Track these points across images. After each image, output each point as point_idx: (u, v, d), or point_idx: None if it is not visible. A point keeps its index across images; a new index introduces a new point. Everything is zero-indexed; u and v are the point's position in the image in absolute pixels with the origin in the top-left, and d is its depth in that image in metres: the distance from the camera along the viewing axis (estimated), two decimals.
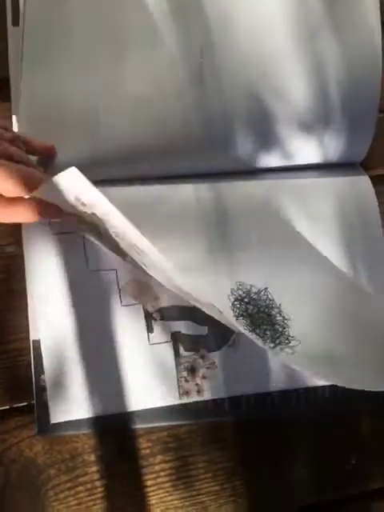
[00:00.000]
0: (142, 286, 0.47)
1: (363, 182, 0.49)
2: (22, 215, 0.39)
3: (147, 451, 0.47)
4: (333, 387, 0.47)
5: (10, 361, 0.48)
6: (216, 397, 0.46)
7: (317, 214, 0.48)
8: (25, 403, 0.48)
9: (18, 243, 0.49)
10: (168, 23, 0.46)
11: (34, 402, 0.47)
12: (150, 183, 0.49)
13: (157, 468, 0.47)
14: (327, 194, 0.49)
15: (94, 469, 0.47)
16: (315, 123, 0.47)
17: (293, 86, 0.48)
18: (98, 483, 0.47)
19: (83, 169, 0.33)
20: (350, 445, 0.48)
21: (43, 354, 0.46)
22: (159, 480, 0.47)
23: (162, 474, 0.47)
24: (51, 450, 0.47)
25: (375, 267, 0.47)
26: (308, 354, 0.42)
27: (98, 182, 0.37)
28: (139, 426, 0.47)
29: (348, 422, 0.48)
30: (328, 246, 0.47)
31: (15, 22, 0.48)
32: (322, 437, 0.48)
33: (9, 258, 0.49)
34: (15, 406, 0.48)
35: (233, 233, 0.47)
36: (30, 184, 0.37)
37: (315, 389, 0.47)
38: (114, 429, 0.47)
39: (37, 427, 0.47)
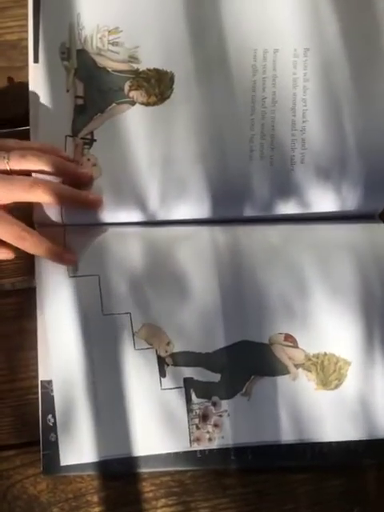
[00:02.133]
0: (156, 331, 0.46)
1: (381, 232, 0.49)
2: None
3: (150, 495, 0.47)
4: (340, 441, 0.47)
5: (18, 399, 0.48)
6: (226, 445, 0.46)
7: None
8: (31, 441, 0.47)
9: (30, 281, 0.48)
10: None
11: (41, 440, 0.46)
12: (169, 225, 0.48)
13: None
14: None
15: (97, 510, 0.47)
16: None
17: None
18: None
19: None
20: (352, 495, 0.48)
21: (55, 395, 0.46)
22: None
23: None
24: (55, 489, 0.47)
25: None
26: None
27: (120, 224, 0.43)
28: (145, 470, 0.47)
29: (351, 472, 0.48)
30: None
31: (36, 60, 0.47)
32: (325, 486, 0.48)
33: (20, 296, 0.48)
34: (21, 444, 0.48)
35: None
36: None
37: (322, 442, 0.47)
38: (120, 472, 0.47)
39: (42, 466, 0.46)
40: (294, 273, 0.47)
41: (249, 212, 0.47)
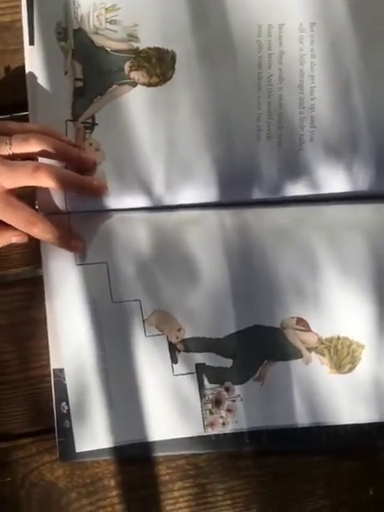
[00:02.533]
0: (166, 317, 0.46)
1: None
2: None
3: (166, 478, 0.48)
4: (355, 423, 0.46)
5: (31, 388, 0.48)
6: (240, 429, 0.46)
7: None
8: (46, 429, 0.48)
9: (36, 270, 0.47)
10: None
11: (55, 428, 0.47)
12: (175, 210, 0.46)
13: (176, 494, 0.48)
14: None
15: (114, 493, 0.48)
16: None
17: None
18: (117, 507, 0.48)
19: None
20: (367, 476, 0.48)
21: (67, 384, 0.46)
22: (178, 506, 0.48)
23: (180, 500, 0.48)
24: (72, 475, 0.48)
25: None
26: None
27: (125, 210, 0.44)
28: (160, 454, 0.47)
29: (366, 454, 0.48)
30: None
31: (31, 42, 0.46)
32: (340, 468, 0.48)
33: (27, 286, 0.48)
34: (36, 431, 0.48)
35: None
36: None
37: (336, 425, 0.46)
38: (136, 456, 0.47)
39: (59, 453, 0.47)
40: (304, 255, 0.46)
41: (257, 194, 0.46)
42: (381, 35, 0.45)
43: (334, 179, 0.46)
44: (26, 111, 0.47)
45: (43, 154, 0.43)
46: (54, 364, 0.47)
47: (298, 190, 0.46)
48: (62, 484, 0.48)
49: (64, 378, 0.46)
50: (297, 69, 0.45)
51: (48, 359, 0.47)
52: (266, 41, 0.45)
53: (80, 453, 0.46)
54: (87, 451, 0.46)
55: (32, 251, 0.47)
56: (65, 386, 0.46)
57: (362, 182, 0.46)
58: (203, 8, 0.45)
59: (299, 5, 0.45)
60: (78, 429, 0.46)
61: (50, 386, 0.47)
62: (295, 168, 0.46)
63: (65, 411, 0.46)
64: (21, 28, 0.46)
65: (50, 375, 0.47)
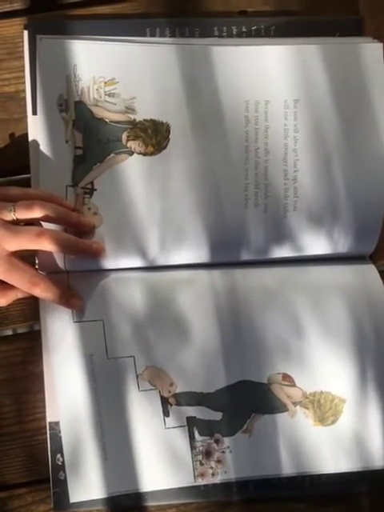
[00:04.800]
0: (159, 372, 0.48)
1: (372, 274, 0.50)
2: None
3: None
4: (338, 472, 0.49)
5: (27, 440, 0.50)
6: (229, 479, 0.48)
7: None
8: (41, 479, 0.49)
9: (35, 326, 0.49)
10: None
11: (50, 479, 0.48)
12: (169, 270, 0.49)
13: None
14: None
15: None
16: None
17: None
18: None
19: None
20: None
21: (62, 436, 0.48)
22: None
23: None
24: None
25: None
26: None
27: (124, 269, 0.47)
28: (152, 503, 0.49)
29: (348, 500, 0.50)
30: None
31: (34, 112, 0.49)
32: None
33: (26, 341, 0.50)
34: (32, 482, 0.49)
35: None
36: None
37: (320, 473, 0.49)
38: (128, 506, 0.49)
39: (53, 504, 0.48)
40: (289, 315, 0.49)
41: (245, 256, 0.49)
42: (359, 112, 0.49)
43: (316, 243, 0.49)
44: (28, 174, 0.49)
45: (45, 219, 0.45)
46: (49, 417, 0.48)
47: (282, 252, 0.49)
48: None
49: (59, 431, 0.48)
50: (281, 143, 0.49)
51: (44, 412, 0.48)
52: (253, 116, 0.49)
53: (74, 503, 0.48)
54: (81, 501, 0.48)
55: (30, 307, 0.49)
56: (60, 438, 0.48)
57: (342, 245, 0.50)
58: (196, 84, 0.49)
59: (284, 83, 0.49)
60: (73, 480, 0.48)
61: (46, 438, 0.48)
62: (280, 233, 0.49)
63: (59, 463, 0.48)
64: (24, 98, 0.49)
65: (45, 428, 0.48)
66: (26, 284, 0.45)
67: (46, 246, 0.44)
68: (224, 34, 0.50)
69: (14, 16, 0.49)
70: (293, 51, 0.48)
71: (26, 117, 0.49)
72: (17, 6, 0.50)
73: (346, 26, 0.50)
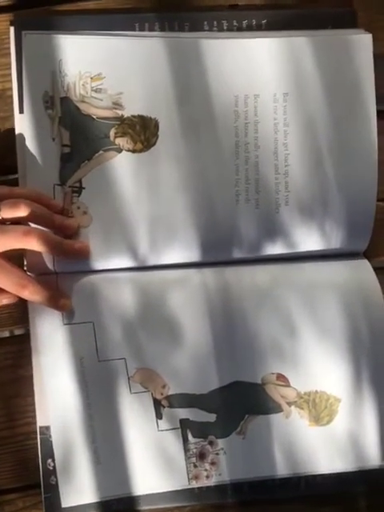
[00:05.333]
0: (151, 374, 0.47)
1: (366, 270, 0.50)
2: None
3: None
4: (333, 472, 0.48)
5: (17, 445, 0.49)
6: (223, 481, 0.48)
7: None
8: (32, 484, 0.48)
9: (25, 329, 0.49)
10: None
11: (42, 484, 0.47)
12: (159, 269, 0.48)
13: None
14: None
15: None
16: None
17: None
18: None
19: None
20: None
21: (53, 441, 0.47)
22: None
23: None
24: None
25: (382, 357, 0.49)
26: None
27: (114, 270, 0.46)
28: (145, 507, 0.48)
29: (344, 500, 0.50)
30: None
31: (21, 110, 0.47)
32: None
33: (15, 345, 0.49)
34: (23, 487, 0.49)
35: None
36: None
37: (315, 474, 0.48)
38: (121, 511, 0.48)
39: (45, 509, 0.48)
40: (282, 314, 0.48)
41: (237, 254, 0.48)
42: (350, 104, 0.48)
43: (309, 239, 0.48)
44: (16, 174, 0.48)
45: (30, 219, 0.44)
46: (40, 421, 0.47)
47: (275, 249, 0.48)
48: None
49: (50, 436, 0.47)
50: (271, 137, 0.48)
51: (34, 416, 0.48)
52: (243, 111, 0.48)
53: (66, 508, 0.47)
54: (73, 506, 0.47)
55: (19, 310, 0.48)
56: (51, 443, 0.47)
57: (335, 240, 0.49)
58: (184, 78, 0.48)
59: (273, 76, 0.48)
60: (64, 485, 0.47)
61: (37, 443, 0.47)
62: (273, 229, 0.48)
63: (51, 468, 0.47)
64: (11, 96, 0.48)
65: (36, 432, 0.47)
66: (13, 286, 0.44)
67: (34, 245, 0.43)
68: (214, 28, 0.49)
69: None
70: (282, 43, 0.48)
71: (13, 115, 0.48)
72: (3, 2, 0.49)
73: (339, 19, 0.50)
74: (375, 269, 0.50)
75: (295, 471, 0.48)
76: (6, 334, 0.50)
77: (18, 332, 0.50)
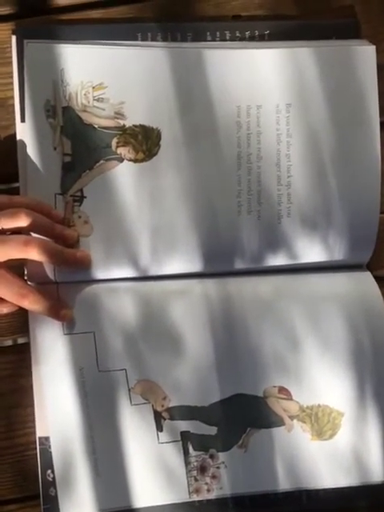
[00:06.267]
0: (152, 386, 0.47)
1: (369, 282, 0.49)
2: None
3: None
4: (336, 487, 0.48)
5: (17, 455, 0.49)
6: (224, 495, 0.47)
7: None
8: (32, 495, 0.48)
9: (25, 338, 0.48)
10: None
11: (41, 495, 0.47)
12: (161, 280, 0.48)
13: None
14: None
15: None
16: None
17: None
18: None
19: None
20: None
21: (53, 452, 0.46)
22: None
23: None
24: None
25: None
26: None
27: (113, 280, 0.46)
28: None
29: None
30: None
31: (23, 119, 0.47)
32: None
33: (15, 354, 0.49)
34: (22, 498, 0.48)
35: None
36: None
37: (317, 488, 0.48)
38: None
39: None
40: (284, 326, 0.47)
41: (239, 265, 0.48)
42: (353, 116, 0.48)
43: (312, 250, 0.48)
44: (18, 182, 0.48)
45: (31, 228, 0.44)
46: (39, 432, 0.47)
47: (277, 260, 0.48)
48: None
49: (49, 446, 0.47)
50: (274, 148, 0.48)
51: (34, 427, 0.47)
52: (245, 121, 0.48)
53: None
54: None
55: (19, 320, 0.48)
56: (50, 454, 0.46)
57: (338, 252, 0.48)
58: (186, 88, 0.48)
59: (276, 87, 0.48)
60: (64, 496, 0.46)
61: (36, 454, 0.47)
62: (274, 240, 0.48)
63: (50, 479, 0.47)
64: (13, 104, 0.48)
65: (35, 443, 0.47)
66: (14, 296, 0.44)
67: (34, 255, 0.43)
68: (217, 38, 0.49)
69: (2, 21, 0.48)
70: (285, 54, 0.47)
71: (14, 124, 0.48)
72: (5, 11, 0.49)
73: (342, 30, 0.49)
74: (378, 280, 0.50)
75: (297, 486, 0.47)
76: (7, 343, 0.49)
77: (18, 341, 0.49)
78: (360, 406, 0.47)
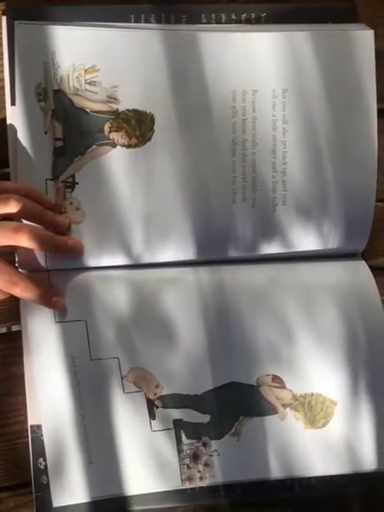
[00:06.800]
0: (144, 374, 0.47)
1: (363, 271, 0.49)
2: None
3: None
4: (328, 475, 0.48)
5: (8, 443, 0.48)
6: (216, 483, 0.47)
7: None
8: (23, 483, 0.48)
9: (16, 326, 0.48)
10: None
11: (33, 483, 0.47)
12: (154, 267, 0.48)
13: None
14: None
15: None
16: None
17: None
18: None
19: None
20: None
21: (44, 440, 0.46)
22: None
23: None
24: None
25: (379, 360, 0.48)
26: None
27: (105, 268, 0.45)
28: (137, 507, 0.48)
29: (338, 502, 0.49)
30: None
31: (13, 102, 0.46)
32: None
33: (6, 342, 0.48)
34: (13, 486, 0.48)
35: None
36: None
37: (310, 476, 0.48)
38: (113, 511, 0.47)
39: (35, 508, 0.47)
40: (278, 315, 0.47)
41: (233, 253, 0.48)
42: (350, 101, 0.47)
43: (306, 238, 0.48)
44: (8, 168, 0.47)
45: (21, 215, 0.43)
46: (31, 420, 0.47)
47: (272, 248, 0.48)
48: None
49: (41, 434, 0.46)
50: (270, 134, 0.47)
51: (26, 415, 0.47)
52: (241, 107, 0.47)
53: (57, 508, 0.46)
54: (64, 506, 0.47)
55: (10, 308, 0.48)
56: (42, 442, 0.46)
57: (333, 241, 0.48)
58: (181, 72, 0.47)
59: (272, 72, 0.47)
60: (55, 484, 0.46)
61: (28, 442, 0.47)
62: (269, 228, 0.47)
63: (42, 467, 0.47)
64: (3, 87, 0.47)
65: (27, 431, 0.47)
66: (4, 283, 0.43)
67: (24, 242, 0.43)
68: (212, 21, 0.48)
69: None
70: (282, 38, 0.46)
71: (4, 107, 0.47)
72: None
73: (340, 13, 0.48)
74: (373, 270, 0.49)
75: (289, 473, 0.47)
76: (1, 330, 0.49)
77: (12, 329, 0.49)
78: (353, 395, 0.47)
